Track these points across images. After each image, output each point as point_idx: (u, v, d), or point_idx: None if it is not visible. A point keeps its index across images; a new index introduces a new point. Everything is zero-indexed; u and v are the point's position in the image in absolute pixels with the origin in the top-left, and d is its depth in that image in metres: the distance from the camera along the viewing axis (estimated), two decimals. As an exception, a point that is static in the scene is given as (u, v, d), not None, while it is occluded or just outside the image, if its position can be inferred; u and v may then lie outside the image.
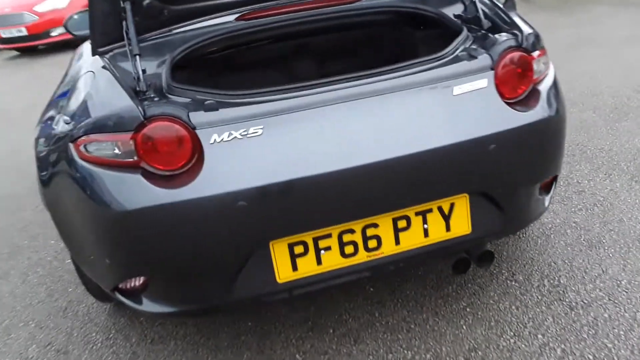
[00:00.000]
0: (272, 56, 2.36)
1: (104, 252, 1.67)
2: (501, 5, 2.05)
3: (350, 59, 2.45)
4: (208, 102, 1.60)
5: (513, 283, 2.22)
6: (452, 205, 1.74)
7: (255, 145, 1.56)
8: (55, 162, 1.74)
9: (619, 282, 2.18)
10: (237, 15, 2.05)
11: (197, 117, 1.57)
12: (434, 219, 1.74)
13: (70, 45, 8.34)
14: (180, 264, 1.63)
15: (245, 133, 1.56)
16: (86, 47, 2.31)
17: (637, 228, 2.51)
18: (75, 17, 2.86)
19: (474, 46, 1.81)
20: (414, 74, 1.69)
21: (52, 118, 1.88)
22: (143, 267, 1.67)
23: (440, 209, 1.73)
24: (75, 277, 2.28)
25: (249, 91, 1.63)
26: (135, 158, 1.56)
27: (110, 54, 1.90)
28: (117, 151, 1.58)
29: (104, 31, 1.84)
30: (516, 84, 1.77)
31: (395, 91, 1.65)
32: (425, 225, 1.73)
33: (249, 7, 2.04)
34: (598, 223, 2.58)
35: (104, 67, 1.84)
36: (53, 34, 9.07)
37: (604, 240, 2.45)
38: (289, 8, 2.06)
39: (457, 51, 1.77)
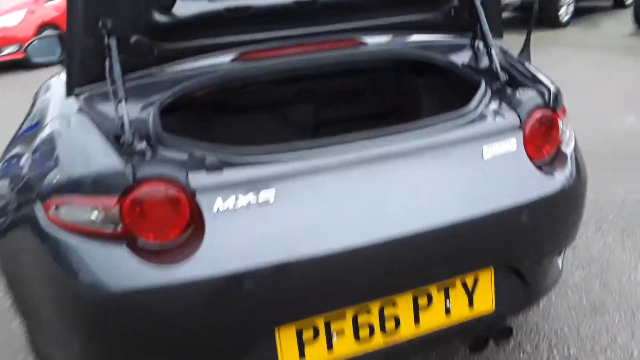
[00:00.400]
0: (268, 100, 2.15)
1: (74, 337, 1.39)
2: (515, 56, 1.93)
3: (352, 104, 2.28)
4: (209, 160, 1.36)
5: (522, 355, 2.05)
6: (476, 280, 1.56)
7: (265, 215, 1.33)
8: (16, 216, 1.48)
9: (630, 353, 2.05)
10: (233, 55, 1.83)
11: (197, 179, 1.33)
12: (457, 294, 1.55)
13: (21, 65, 7.86)
14: (169, 353, 1.36)
15: (255, 200, 1.33)
16: (56, 80, 2.04)
17: (637, 291, 2.41)
18: (36, 42, 2.59)
19: (496, 102, 1.66)
20: (440, 132, 1.51)
21: (16, 159, 1.61)
22: (123, 357, 1.39)
23: (463, 284, 1.55)
24: (25, 343, 1.95)
25: (257, 148, 1.41)
26: (120, 227, 1.31)
27: (87, 94, 1.63)
28: (96, 217, 1.32)
29: (83, 69, 1.57)
30: (542, 144, 1.63)
31: (421, 152, 1.47)
32: (448, 302, 1.54)
33: (247, 47, 1.82)
34: (597, 284, 2.46)
35: (80, 110, 1.57)
36: (4, 52, 8.55)
37: (606, 304, 2.33)
38: (289, 50, 1.86)
39: (481, 108, 1.61)
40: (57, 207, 1.35)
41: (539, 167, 1.59)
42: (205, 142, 1.44)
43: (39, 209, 1.38)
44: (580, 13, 9.23)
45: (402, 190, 1.43)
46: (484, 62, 1.90)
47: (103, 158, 1.36)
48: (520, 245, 1.58)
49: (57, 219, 1.35)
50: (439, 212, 1.43)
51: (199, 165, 1.36)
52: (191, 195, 1.32)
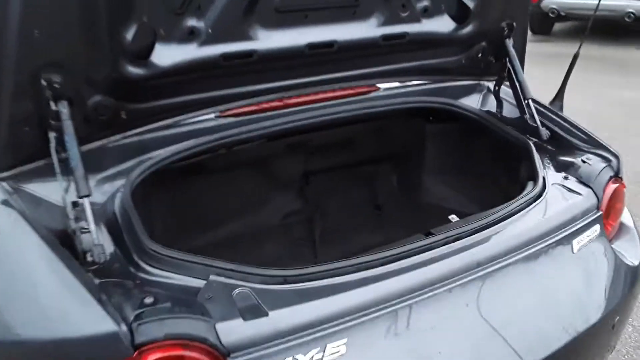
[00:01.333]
0: (255, 157, 1.75)
1: None
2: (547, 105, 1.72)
3: (345, 151, 1.96)
4: (244, 297, 0.94)
5: None
6: None
7: None
8: None
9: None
10: (216, 111, 1.41)
11: (230, 332, 0.91)
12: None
13: None
14: None
15: (320, 357, 0.93)
16: None
17: (628, 330, 2.33)
18: None
19: (559, 174, 1.41)
20: (524, 227, 1.22)
21: None
22: None
23: None
24: None
25: (312, 269, 1.01)
26: None
27: (12, 172, 1.11)
28: None
29: (11, 147, 1.08)
30: (608, 219, 1.42)
31: (513, 258, 1.18)
32: None
33: (236, 102, 1.41)
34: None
35: (5, 203, 1.04)
36: None
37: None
38: (284, 102, 1.49)
39: (549, 185, 1.35)
40: None
41: (615, 249, 1.38)
42: (219, 260, 1.02)
43: None
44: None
45: (500, 315, 1.13)
46: (511, 111, 1.69)
47: (68, 301, 0.87)
48: (608, 350, 1.36)
49: None
50: (543, 340, 1.15)
51: (228, 306, 0.93)
52: (223, 358, 0.90)
